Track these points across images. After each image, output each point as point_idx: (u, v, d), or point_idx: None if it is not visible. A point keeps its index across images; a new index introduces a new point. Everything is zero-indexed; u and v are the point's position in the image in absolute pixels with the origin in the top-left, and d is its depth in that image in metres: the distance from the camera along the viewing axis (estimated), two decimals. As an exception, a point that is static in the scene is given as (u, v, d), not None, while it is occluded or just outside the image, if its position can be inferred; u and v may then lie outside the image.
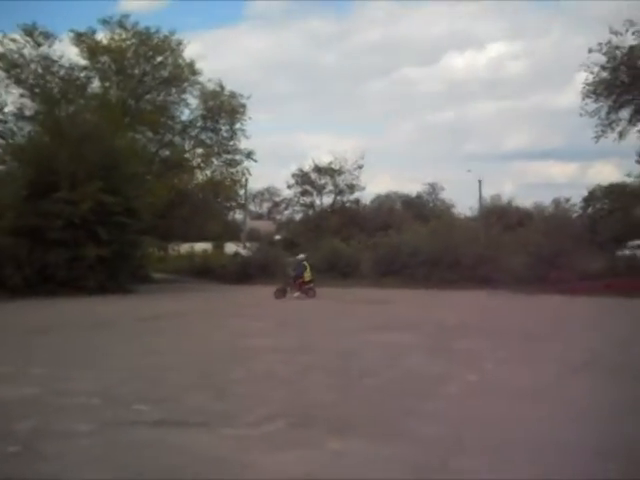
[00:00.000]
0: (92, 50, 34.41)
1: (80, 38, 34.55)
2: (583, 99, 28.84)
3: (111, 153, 26.03)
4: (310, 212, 53.73)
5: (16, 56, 32.22)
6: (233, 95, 36.04)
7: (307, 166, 51.67)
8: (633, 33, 27.02)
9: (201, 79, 36.04)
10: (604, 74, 28.08)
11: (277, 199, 75.08)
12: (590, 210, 68.28)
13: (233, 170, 36.67)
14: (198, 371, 9.94)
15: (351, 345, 12.51)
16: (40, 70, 32.57)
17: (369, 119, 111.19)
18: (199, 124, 36.63)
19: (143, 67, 35.81)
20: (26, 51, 32.49)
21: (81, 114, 28.77)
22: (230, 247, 50.16)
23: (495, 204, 62.38)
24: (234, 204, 42.34)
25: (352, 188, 51.27)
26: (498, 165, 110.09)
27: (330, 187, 51.65)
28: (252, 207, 69.54)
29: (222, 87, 36.29)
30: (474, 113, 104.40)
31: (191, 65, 35.69)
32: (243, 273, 34.24)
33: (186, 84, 36.21)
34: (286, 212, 61.39)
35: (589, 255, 31.79)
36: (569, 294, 24.03)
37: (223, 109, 35.99)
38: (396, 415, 7.28)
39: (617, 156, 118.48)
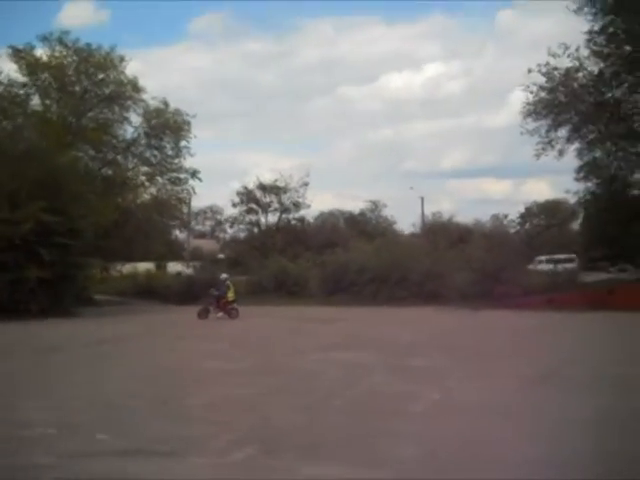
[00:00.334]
0: (32, 66, 33.60)
1: (19, 54, 33.71)
2: (524, 118, 29.73)
3: (53, 172, 25.32)
4: (255, 230, 53.42)
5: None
6: (178, 112, 35.71)
7: (251, 184, 51.54)
8: (568, 55, 28.08)
9: (144, 96, 35.63)
10: (543, 94, 29.02)
11: (220, 217, 74.55)
12: (527, 226, 70.50)
13: (178, 189, 36.25)
14: (156, 397, 9.67)
15: (309, 365, 12.45)
16: (-23, 86, 31.61)
17: (310, 137, 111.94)
18: (143, 142, 36.09)
19: (84, 84, 35.16)
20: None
21: (21, 131, 27.94)
22: (173, 267, 49.49)
23: (436, 221, 63.50)
24: (178, 223, 41.75)
25: (298, 206, 51.33)
26: (436, 182, 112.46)
27: (275, 205, 51.53)
28: (194, 225, 68.76)
29: (166, 104, 35.95)
30: (412, 131, 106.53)
31: (134, 82, 35.23)
32: (188, 293, 33.70)
33: (129, 102, 35.68)
34: (230, 230, 60.89)
35: (529, 270, 32.74)
36: (514, 309, 24.57)
37: (167, 127, 35.58)
38: (367, 437, 7.23)
39: (549, 174, 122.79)
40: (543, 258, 38.95)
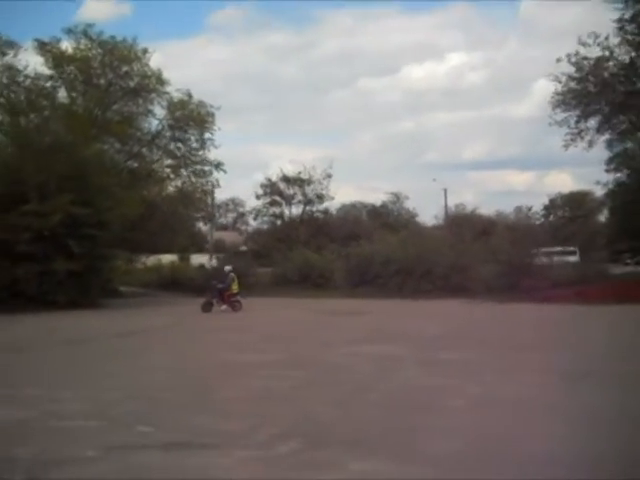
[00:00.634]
0: (57, 59, 33.79)
1: (45, 47, 33.90)
2: (552, 108, 29.41)
3: (79, 164, 25.50)
4: (278, 222, 53.42)
5: (-20, 66, 31.49)
6: (202, 105, 35.75)
7: (275, 176, 51.53)
8: (598, 44, 27.67)
9: (168, 89, 35.70)
10: (572, 84, 28.64)
11: (242, 210, 74.74)
12: (552, 218, 69.75)
13: (202, 181, 36.35)
14: (193, 389, 9.72)
15: (340, 358, 12.40)
16: (5, 80, 31.84)
17: (330, 129, 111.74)
18: (167, 134, 36.20)
19: (109, 77, 35.32)
20: (-10, 61, 31.77)
21: (48, 124, 28.13)
22: (196, 259, 49.72)
23: (459, 213, 63.06)
24: (203, 215, 41.87)
25: (321, 198, 51.21)
26: (458, 174, 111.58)
27: (299, 197, 51.47)
28: (217, 218, 68.93)
29: (190, 96, 35.98)
30: (433, 123, 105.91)
31: (158, 75, 35.30)
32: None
33: (153, 94, 35.78)
34: (253, 223, 60.95)
35: (556, 262, 32.36)
36: (542, 302, 24.25)
37: (191, 119, 35.64)
38: (411, 431, 7.16)
39: (573, 165, 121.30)
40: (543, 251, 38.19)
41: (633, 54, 27.87)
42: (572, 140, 29.51)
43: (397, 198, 70.22)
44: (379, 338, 15.42)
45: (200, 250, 54.85)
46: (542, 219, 68.57)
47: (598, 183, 34.36)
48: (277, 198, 51.60)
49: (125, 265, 34.69)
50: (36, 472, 5.98)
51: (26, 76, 32.14)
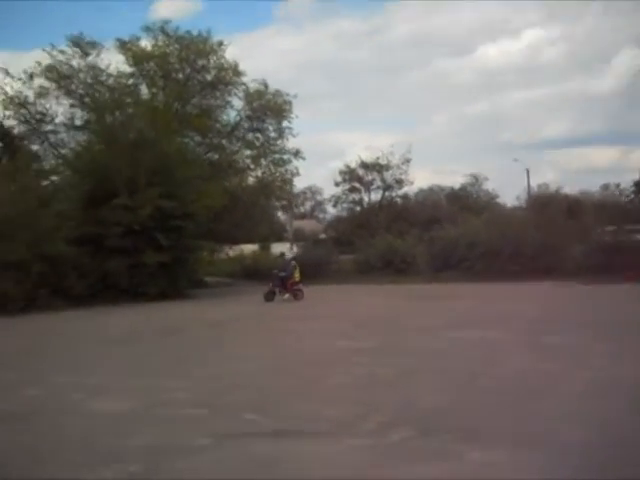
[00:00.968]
0: (137, 57, 34.46)
1: (125, 46, 34.64)
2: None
3: (164, 158, 25.97)
4: (358, 209, 53.18)
5: (65, 67, 32.42)
6: (278, 94, 35.74)
7: (353, 163, 51.22)
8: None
9: (244, 80, 35.87)
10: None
11: (320, 198, 74.90)
12: (642, 194, 66.46)
13: (281, 170, 36.44)
14: (294, 376, 9.66)
15: (439, 344, 12.10)
16: (89, 79, 32.75)
17: (404, 114, 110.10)
18: (246, 125, 36.44)
19: (187, 71, 35.78)
20: (74, 62, 32.70)
21: (132, 120, 28.79)
22: (276, 248, 50.17)
23: (542, 193, 61.07)
24: (285, 204, 42.05)
25: (400, 183, 50.64)
26: (537, 153, 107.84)
27: (378, 183, 51.02)
28: (295, 207, 69.25)
29: (266, 86, 36.05)
30: (511, 102, 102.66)
31: (235, 66, 35.53)
32: (295, 273, 33.92)
33: (230, 86, 36.05)
34: (333, 210, 60.90)
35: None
36: (636, 282, 23.08)
37: (269, 108, 35.72)
38: (527, 418, 6.85)
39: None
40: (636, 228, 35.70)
41: None
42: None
43: (476, 180, 68.82)
44: (475, 322, 15.00)
45: (279, 239, 55.26)
46: (632, 196, 65.48)
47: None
48: (356, 185, 51.37)
49: (209, 256, 35.21)
50: (151, 461, 6.00)
51: (109, 75, 32.94)
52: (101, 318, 20.06)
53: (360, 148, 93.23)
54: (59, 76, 32.28)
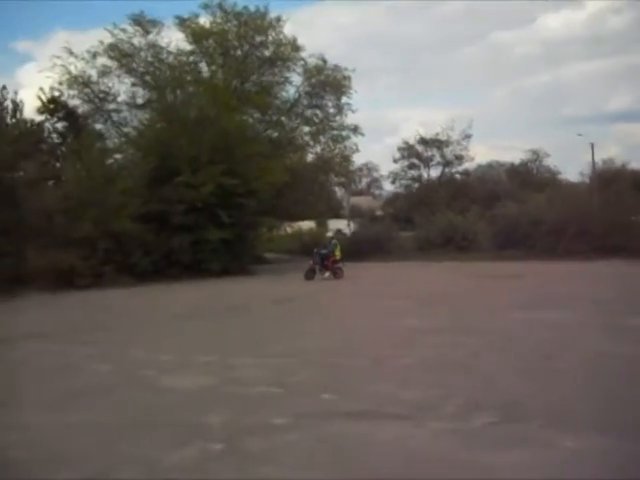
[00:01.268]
0: (197, 35, 34.54)
1: (184, 24, 34.77)
2: None
3: (225, 136, 26.03)
4: (416, 186, 52.53)
5: (127, 46, 32.81)
6: (337, 69, 35.36)
7: (412, 139, 50.51)
8: None
9: (303, 55, 35.58)
10: None
11: (376, 174, 74.39)
12: None
13: (340, 146, 36.14)
14: (364, 356, 9.52)
15: (510, 324, 11.81)
16: (150, 58, 33.05)
17: (461, 88, 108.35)
18: (305, 102, 36.23)
19: (245, 48, 35.69)
20: (135, 40, 33.07)
21: (192, 98, 28.95)
22: (333, 224, 50.07)
23: (608, 168, 59.04)
24: (343, 181, 41.80)
25: (460, 159, 49.75)
26: (601, 127, 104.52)
27: (437, 159, 50.25)
28: (352, 183, 68.87)
29: (325, 61, 35.69)
30: (573, 74, 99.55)
31: (293, 42, 35.26)
32: (355, 250, 33.76)
33: (289, 62, 35.82)
34: (389, 187, 60.39)
35: None
36: None
37: (327, 84, 35.39)
38: (613, 404, 6.55)
39: None
40: None
41: None
42: None
43: (537, 156, 67.03)
44: (545, 302, 14.58)
45: (336, 216, 55.11)
46: None
47: None
48: (415, 161, 50.71)
49: (268, 232, 35.38)
50: (232, 440, 5.96)
51: (169, 52, 33.15)
52: (166, 294, 20.37)
53: (415, 123, 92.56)
54: (121, 55, 32.70)
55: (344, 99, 35.63)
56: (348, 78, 35.25)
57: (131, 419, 6.72)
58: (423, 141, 49.54)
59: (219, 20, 35.44)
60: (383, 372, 8.47)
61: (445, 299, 16.18)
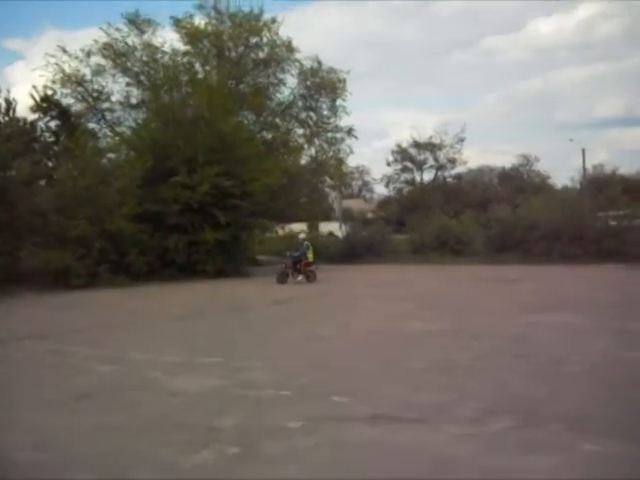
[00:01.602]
0: (191, 35, 34.38)
1: (179, 24, 34.58)
2: None
3: (221, 137, 25.87)
4: (410, 189, 52.59)
5: (121, 45, 32.58)
6: (332, 71, 35.26)
7: (404, 142, 50.55)
8: None
9: (298, 56, 35.44)
10: None
11: (367, 177, 74.41)
12: None
13: (335, 148, 36.00)
14: (370, 358, 9.43)
15: (515, 328, 11.75)
16: (145, 57, 32.86)
17: (452, 92, 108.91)
18: (299, 103, 36.09)
19: (240, 49, 35.56)
20: (130, 40, 32.86)
21: (188, 99, 28.78)
22: (324, 227, 49.95)
23: (598, 174, 59.40)
24: (338, 184, 41.72)
25: (454, 163, 49.87)
26: (591, 133, 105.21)
27: (431, 162, 50.34)
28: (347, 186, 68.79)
29: (320, 63, 35.57)
30: (563, 80, 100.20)
31: (288, 43, 35.14)
32: (350, 253, 33.79)
33: (283, 63, 35.69)
34: (381, 190, 60.43)
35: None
36: None
37: (323, 86, 35.28)
38: (631, 408, 6.51)
39: None
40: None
41: None
42: None
43: (527, 160, 67.42)
44: (547, 306, 14.57)
45: (327, 218, 55.01)
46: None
47: None
48: (408, 164, 50.75)
49: (261, 234, 35.24)
50: (247, 443, 5.86)
51: (164, 53, 32.97)
52: (163, 295, 20.22)
53: (405, 127, 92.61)
54: (115, 54, 32.47)
55: (339, 101, 35.58)
56: (343, 80, 35.18)
57: (143, 421, 6.60)
58: (416, 144, 49.63)
59: (214, 21, 35.31)
60: (393, 375, 8.38)
61: (446, 302, 16.13)
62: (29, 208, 22.06)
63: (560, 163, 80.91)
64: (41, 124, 29.86)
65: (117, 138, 30.18)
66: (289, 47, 35.17)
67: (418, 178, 52.14)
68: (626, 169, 65.11)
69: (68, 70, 31.93)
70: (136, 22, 32.81)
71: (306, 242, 23.90)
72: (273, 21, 35.11)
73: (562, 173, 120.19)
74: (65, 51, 31.93)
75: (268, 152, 31.96)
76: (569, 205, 30.52)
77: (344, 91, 35.25)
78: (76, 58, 32.21)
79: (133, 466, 5.40)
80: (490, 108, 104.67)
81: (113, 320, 14.74)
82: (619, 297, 15.80)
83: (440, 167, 50.62)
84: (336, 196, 56.80)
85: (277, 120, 35.97)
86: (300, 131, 36.48)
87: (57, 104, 30.83)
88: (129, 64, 32.92)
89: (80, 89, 32.79)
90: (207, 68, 34.88)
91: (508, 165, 66.91)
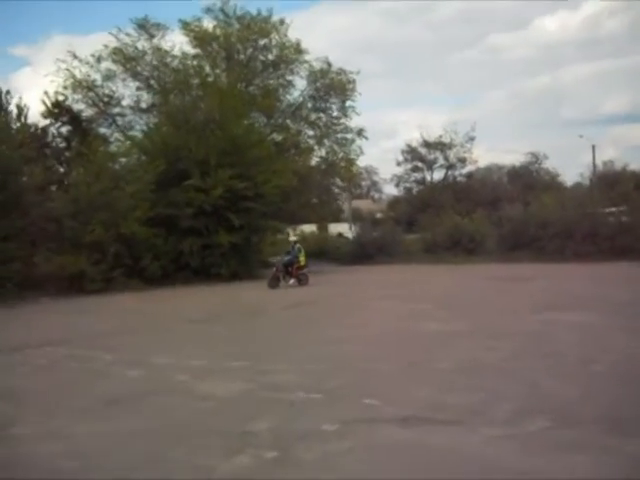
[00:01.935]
0: (201, 38, 34.44)
1: (188, 27, 34.63)
2: None
3: (233, 140, 25.91)
4: (420, 188, 52.50)
5: (131, 49, 32.67)
6: (342, 72, 35.21)
7: (414, 141, 50.47)
8: None
9: (307, 57, 35.43)
10: None
11: (376, 178, 74.39)
12: None
13: (345, 150, 35.90)
14: (395, 360, 9.40)
15: (536, 327, 11.70)
16: (154, 62, 32.92)
17: (458, 91, 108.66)
18: (309, 105, 36.05)
19: (249, 52, 35.58)
20: (140, 44, 32.94)
21: (199, 102, 28.82)
22: (334, 228, 49.90)
23: (608, 170, 59.23)
24: (347, 184, 41.65)
25: (463, 162, 49.75)
26: (599, 129, 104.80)
27: (441, 161, 50.25)
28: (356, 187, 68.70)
29: (329, 64, 35.53)
30: (569, 77, 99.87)
31: (297, 45, 35.14)
32: (361, 253, 33.77)
33: (292, 65, 35.67)
34: (390, 190, 60.33)
35: None
36: None
37: (332, 87, 35.24)
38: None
39: None
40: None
41: None
42: None
43: (536, 158, 67.17)
44: (563, 304, 14.49)
45: (336, 219, 54.97)
46: None
47: None
48: (418, 164, 50.66)
49: (272, 237, 35.24)
50: (284, 447, 5.84)
51: (174, 56, 33.03)
52: (179, 299, 20.25)
53: (412, 127, 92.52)
54: (125, 59, 32.53)
55: (348, 102, 35.53)
56: (353, 81, 35.12)
57: (176, 426, 6.60)
58: (426, 144, 49.54)
59: (222, 24, 35.35)
60: (421, 376, 8.37)
61: (462, 302, 16.07)
62: (43, 214, 22.21)
63: (568, 160, 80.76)
64: (52, 130, 30.06)
65: (129, 142, 30.21)
66: (298, 49, 35.14)
67: (428, 177, 52.08)
68: (635, 165, 65.07)
69: (79, 75, 32.06)
70: (145, 26, 32.88)
71: (297, 245, 23.64)
72: (281, 23, 35.14)
73: (570, 170, 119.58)
74: (75, 56, 32.06)
75: (279, 154, 31.92)
76: (581, 202, 30.35)
77: (354, 92, 35.23)
78: (86, 63, 32.32)
79: (171, 473, 5.40)
80: (496, 106, 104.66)
81: (131, 324, 14.77)
82: (635, 295, 15.69)
83: (450, 166, 50.55)
84: (346, 197, 56.83)
85: (287, 122, 35.92)
86: (310, 132, 36.41)
87: (68, 110, 31.01)
88: (139, 68, 32.98)
89: (91, 94, 32.87)
90: (217, 71, 34.94)
91: (516, 163, 66.75)
